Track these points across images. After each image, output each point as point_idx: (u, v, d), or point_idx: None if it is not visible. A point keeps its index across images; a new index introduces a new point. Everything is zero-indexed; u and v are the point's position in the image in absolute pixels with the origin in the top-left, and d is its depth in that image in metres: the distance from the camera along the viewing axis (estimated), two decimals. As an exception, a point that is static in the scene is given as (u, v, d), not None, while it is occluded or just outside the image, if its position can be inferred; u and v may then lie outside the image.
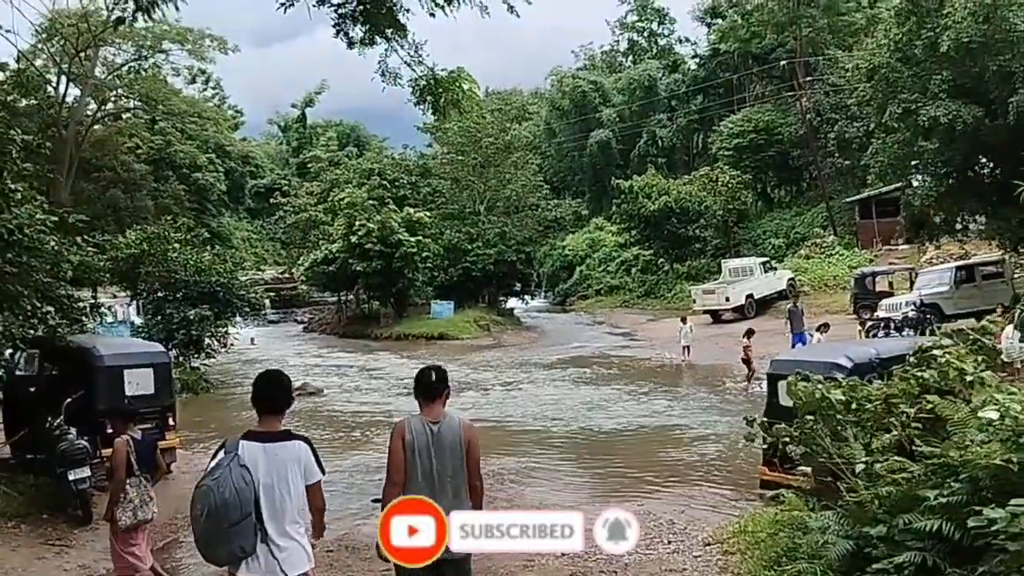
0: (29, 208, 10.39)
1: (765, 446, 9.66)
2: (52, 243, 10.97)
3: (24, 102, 56.93)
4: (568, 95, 66.94)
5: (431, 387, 5.37)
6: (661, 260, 49.36)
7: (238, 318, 42.14)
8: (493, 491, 12.14)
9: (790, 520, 8.01)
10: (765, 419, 8.97)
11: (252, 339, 37.63)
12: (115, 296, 31.00)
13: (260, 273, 53.15)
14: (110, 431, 11.99)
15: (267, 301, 49.58)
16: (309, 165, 67.31)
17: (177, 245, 25.58)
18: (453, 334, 38.17)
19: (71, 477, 10.19)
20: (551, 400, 20.76)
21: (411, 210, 42.70)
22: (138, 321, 26.86)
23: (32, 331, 11.73)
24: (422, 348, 35.20)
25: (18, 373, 13.27)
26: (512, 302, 49.58)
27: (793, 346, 22.01)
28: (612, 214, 52.23)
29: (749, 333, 22.51)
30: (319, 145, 77.57)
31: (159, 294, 24.93)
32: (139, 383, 12.58)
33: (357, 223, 40.06)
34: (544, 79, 76.12)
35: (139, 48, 62.29)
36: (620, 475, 13.34)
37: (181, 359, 24.74)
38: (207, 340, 24.91)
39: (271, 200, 62.38)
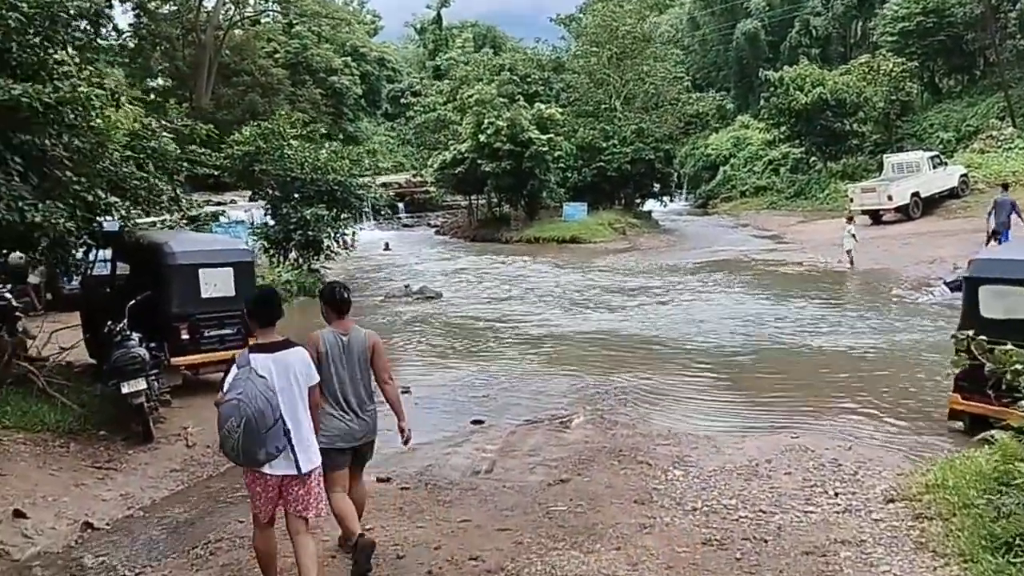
0: (74, 81, 8.95)
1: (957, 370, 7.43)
2: (99, 123, 9.58)
3: (165, 7, 57.76)
4: (714, -17, 62.16)
5: (343, 303, 5.94)
6: (813, 158, 45.42)
7: (370, 220, 41.86)
8: (614, 413, 10.28)
9: (1010, 473, 5.81)
10: (963, 334, 6.56)
11: (386, 244, 36.75)
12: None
13: (394, 176, 52.40)
14: (185, 337, 10.83)
15: (400, 204, 49.34)
16: (444, 68, 65.65)
17: (295, 142, 24.33)
18: (586, 237, 36.18)
19: (124, 390, 8.92)
20: (690, 309, 18.54)
21: (542, 106, 40.37)
22: (259, 221, 26.01)
23: (94, 225, 10.50)
24: (553, 251, 33.37)
25: (95, 273, 12.23)
26: (649, 204, 46.79)
27: (997, 242, 18.89)
28: (760, 109, 48.31)
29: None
30: (455, 47, 75.68)
31: (276, 193, 23.86)
32: (217, 284, 11.26)
33: (486, 121, 38.11)
34: (688, -34, 70.90)
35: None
36: (770, 399, 11.11)
37: (300, 261, 23.85)
38: (326, 241, 23.81)
39: (402, 101, 61.21)
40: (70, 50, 9.24)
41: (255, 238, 24.03)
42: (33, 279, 17.23)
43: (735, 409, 10.72)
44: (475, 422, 10.22)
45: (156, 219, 13.70)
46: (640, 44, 44.11)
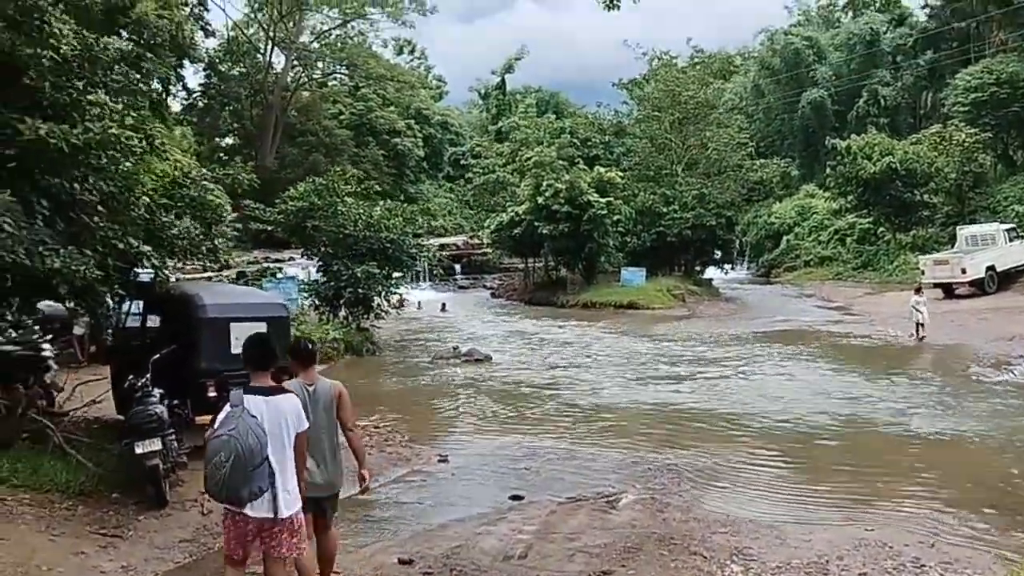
0: (106, 124, 8.60)
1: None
2: (127, 166, 9.20)
3: (235, 69, 59.31)
4: (779, 53, 61.87)
5: (309, 354, 6.10)
6: (881, 229, 44.18)
7: (426, 281, 41.52)
8: (667, 494, 9.39)
9: None
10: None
11: (443, 305, 36.28)
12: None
13: (452, 238, 52.31)
14: (212, 395, 10.26)
15: (457, 266, 49.07)
16: (506, 131, 65.94)
17: (348, 199, 24.11)
18: (644, 303, 35.24)
19: (138, 450, 8.34)
20: (754, 382, 17.50)
21: (602, 170, 39.90)
22: (309, 278, 25.72)
23: (131, 275, 10.08)
24: (610, 317, 32.48)
25: (128, 325, 11.79)
26: (710, 272, 45.73)
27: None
28: (826, 177, 47.34)
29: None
30: (518, 112, 76.15)
31: (327, 250, 23.57)
32: (249, 339, 10.67)
33: (544, 183, 37.73)
34: (753, 37, 70.78)
35: (343, 13, 63.24)
36: (839, 484, 10.10)
37: (349, 319, 23.41)
38: (376, 300, 23.35)
39: (461, 162, 61.42)
40: (102, 94, 8.89)
41: (305, 294, 23.72)
42: (78, 330, 16.98)
43: (802, 495, 9.70)
44: (513, 498, 9.40)
45: (208, 273, 13.40)
46: (703, 110, 43.60)
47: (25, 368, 10.92)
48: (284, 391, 5.36)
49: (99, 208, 9.53)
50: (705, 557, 7.12)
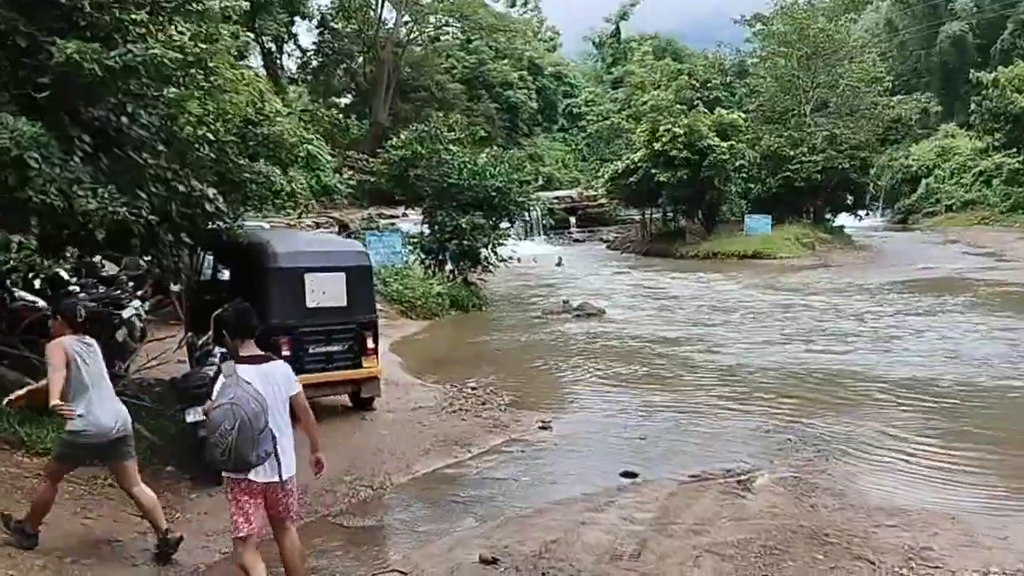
0: (149, 44, 7.46)
1: None
2: (172, 94, 8.04)
3: (348, 27, 58.88)
4: (916, -18, 56.92)
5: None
6: (1033, 168, 40.20)
7: (541, 235, 40.14)
8: (813, 472, 7.75)
9: None
10: None
11: (559, 259, 34.74)
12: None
13: (566, 191, 50.75)
14: (285, 354, 9.15)
15: (572, 219, 47.47)
16: (622, 78, 63.59)
17: (452, 147, 22.80)
18: (770, 252, 32.92)
19: (189, 419, 7.29)
20: (902, 338, 15.43)
21: (723, 112, 37.38)
22: (415, 230, 24.61)
23: (185, 222, 9.02)
24: (733, 267, 30.37)
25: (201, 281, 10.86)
26: (841, 218, 42.55)
27: None
28: (970, 115, 43.42)
29: None
30: (633, 60, 73.39)
31: (432, 200, 22.38)
32: (326, 292, 9.54)
33: (661, 128, 35.54)
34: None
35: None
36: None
37: (455, 273, 22.25)
38: (483, 252, 22.06)
39: (576, 114, 59.55)
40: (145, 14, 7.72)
41: (410, 247, 22.64)
42: (175, 288, 16.39)
43: (985, 477, 7.87)
44: (625, 475, 7.94)
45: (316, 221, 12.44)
46: (833, 43, 40.21)
47: (95, 325, 10.14)
48: (272, 359, 5.33)
49: (159, 147, 8.45)
50: (874, 563, 5.51)
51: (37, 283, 12.08)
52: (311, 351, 9.38)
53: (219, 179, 9.77)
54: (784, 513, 6.62)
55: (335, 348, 9.53)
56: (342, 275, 9.68)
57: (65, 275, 12.88)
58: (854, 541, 5.92)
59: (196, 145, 9.08)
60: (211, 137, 9.25)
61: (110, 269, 12.92)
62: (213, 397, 5.06)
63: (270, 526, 5.30)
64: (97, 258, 13.14)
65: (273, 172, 10.66)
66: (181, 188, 8.63)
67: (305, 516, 7.11)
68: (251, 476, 5.01)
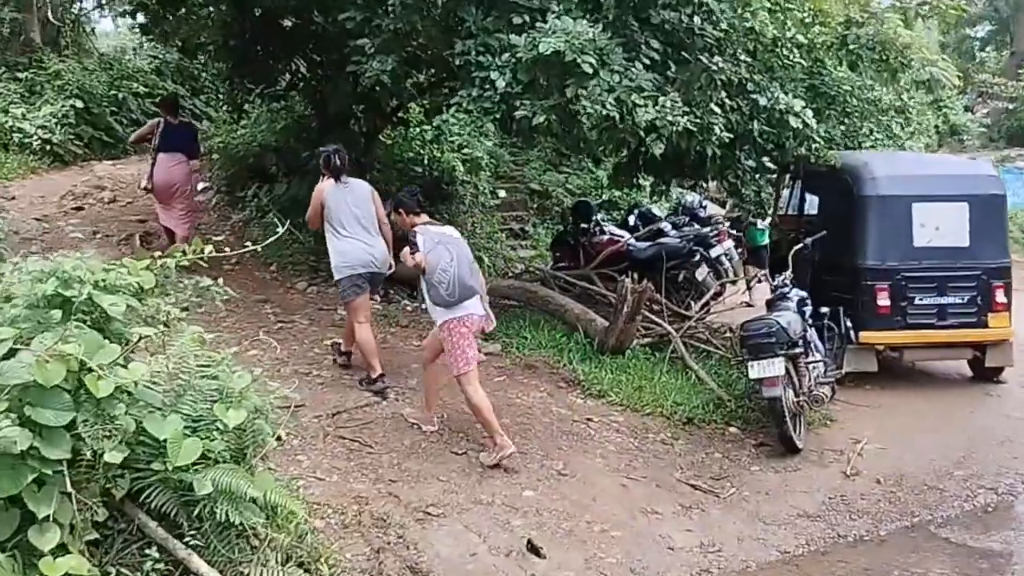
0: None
1: None
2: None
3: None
4: None
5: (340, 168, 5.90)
6: None
7: None
8: None
9: None
10: None
11: None
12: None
13: None
14: (883, 304, 7.42)
15: None
16: None
17: None
18: None
19: (752, 373, 5.92)
20: None
21: None
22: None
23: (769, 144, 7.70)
24: None
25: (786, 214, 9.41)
26: None
27: None
28: None
29: None
30: None
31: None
32: (941, 227, 7.45)
33: None
34: None
35: None
36: None
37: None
38: None
39: None
40: None
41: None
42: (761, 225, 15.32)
43: None
44: None
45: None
46: None
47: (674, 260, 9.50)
48: (445, 225, 5.58)
49: (738, 53, 7.25)
50: None
51: (631, 219, 11.98)
52: (918, 301, 7.40)
53: (810, 92, 8.25)
54: None
55: (951, 300, 7.40)
56: (964, 206, 7.47)
57: (657, 211, 12.62)
58: None
59: (782, 49, 7.66)
60: (801, 40, 7.74)
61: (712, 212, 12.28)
62: (421, 250, 5.04)
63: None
64: (696, 198, 12.62)
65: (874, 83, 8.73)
66: (762, 101, 7.31)
67: (898, 519, 5.35)
68: (473, 310, 5.09)
